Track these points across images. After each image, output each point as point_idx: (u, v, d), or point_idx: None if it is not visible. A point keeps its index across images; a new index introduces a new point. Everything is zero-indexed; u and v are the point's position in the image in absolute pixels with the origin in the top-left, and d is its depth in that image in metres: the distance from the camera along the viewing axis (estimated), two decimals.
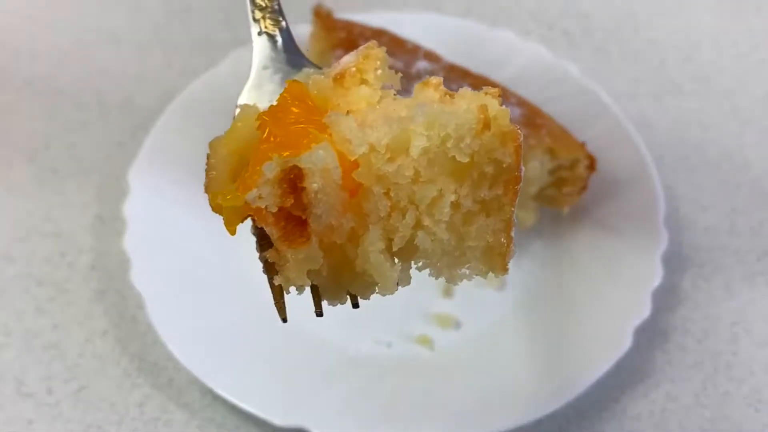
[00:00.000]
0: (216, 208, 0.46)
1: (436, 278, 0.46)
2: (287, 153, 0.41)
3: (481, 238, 0.43)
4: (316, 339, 0.81)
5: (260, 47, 0.55)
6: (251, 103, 0.51)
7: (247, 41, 1.04)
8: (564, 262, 0.86)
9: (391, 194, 0.43)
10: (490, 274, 0.85)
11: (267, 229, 0.43)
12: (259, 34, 0.55)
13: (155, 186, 0.86)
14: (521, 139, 0.42)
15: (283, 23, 0.55)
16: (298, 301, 0.84)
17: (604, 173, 0.88)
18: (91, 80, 1.04)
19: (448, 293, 0.85)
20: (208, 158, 0.47)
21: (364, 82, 0.48)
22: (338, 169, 0.41)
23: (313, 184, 0.41)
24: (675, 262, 0.88)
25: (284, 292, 0.47)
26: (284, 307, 0.50)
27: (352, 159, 0.42)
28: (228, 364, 0.76)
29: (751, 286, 0.87)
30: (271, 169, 0.41)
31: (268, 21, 0.55)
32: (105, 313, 0.84)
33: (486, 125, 0.41)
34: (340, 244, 0.44)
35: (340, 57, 0.86)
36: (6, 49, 1.07)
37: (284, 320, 0.51)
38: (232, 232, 0.45)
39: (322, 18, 0.91)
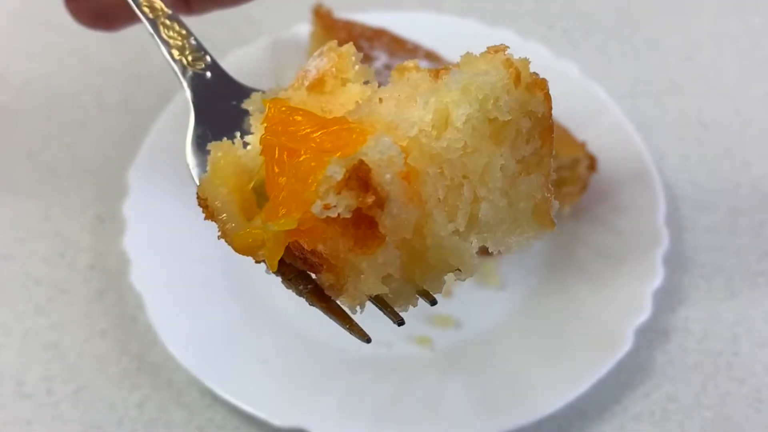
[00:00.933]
0: (246, 249, 0.41)
1: (493, 251, 0.43)
2: (339, 153, 0.37)
3: (530, 198, 0.42)
4: (316, 339, 0.80)
5: (193, 88, 0.51)
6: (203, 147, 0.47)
7: (247, 41, 1.04)
8: (564, 262, 0.86)
9: (446, 172, 0.40)
10: (490, 279, 0.86)
11: (320, 248, 0.38)
12: (184, 74, 0.51)
13: (155, 186, 0.86)
14: (548, 86, 0.41)
15: (208, 57, 0.52)
16: (299, 302, 0.83)
17: (605, 173, 0.88)
18: (91, 80, 1.04)
19: (448, 293, 0.85)
20: (205, 207, 0.43)
21: (345, 81, 0.46)
22: (402, 156, 0.38)
23: (385, 175, 0.37)
24: (675, 262, 0.88)
25: (351, 314, 0.43)
26: (360, 328, 0.46)
27: (404, 144, 0.40)
28: (228, 365, 0.76)
29: (752, 286, 0.87)
30: (335, 172, 0.37)
31: (191, 58, 0.52)
32: (104, 314, 0.84)
33: (517, 78, 0.40)
34: (409, 240, 0.40)
35: None
36: (5, 49, 1.07)
37: (368, 341, 0.46)
38: (274, 267, 0.40)
39: (322, 18, 0.91)
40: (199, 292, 0.81)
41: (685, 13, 1.13)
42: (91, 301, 0.84)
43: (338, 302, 0.42)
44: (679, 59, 1.08)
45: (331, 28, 0.90)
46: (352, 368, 0.78)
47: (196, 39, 0.53)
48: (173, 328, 0.76)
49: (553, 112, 0.96)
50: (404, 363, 0.79)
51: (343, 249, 0.38)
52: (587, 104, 0.93)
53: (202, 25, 1.10)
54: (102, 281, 0.86)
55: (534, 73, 0.41)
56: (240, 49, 0.97)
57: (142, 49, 1.07)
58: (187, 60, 0.52)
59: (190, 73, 0.51)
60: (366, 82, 0.47)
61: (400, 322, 0.45)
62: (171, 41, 0.52)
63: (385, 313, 0.44)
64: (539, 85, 0.41)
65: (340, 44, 0.88)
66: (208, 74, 0.52)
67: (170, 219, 0.85)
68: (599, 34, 1.10)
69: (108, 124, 0.99)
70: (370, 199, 0.37)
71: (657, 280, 0.80)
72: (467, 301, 0.85)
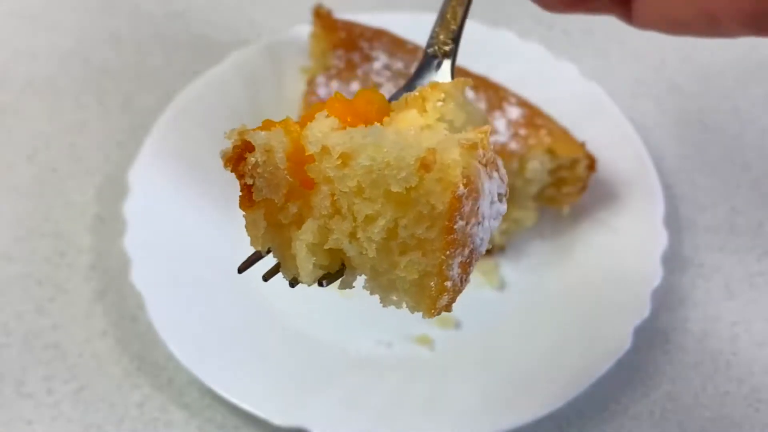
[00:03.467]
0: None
1: (370, 294, 0.47)
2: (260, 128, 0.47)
3: (410, 272, 0.44)
4: (317, 339, 0.81)
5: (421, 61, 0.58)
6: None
7: (247, 42, 1.04)
8: (564, 262, 0.86)
9: (336, 198, 0.45)
10: (490, 279, 0.86)
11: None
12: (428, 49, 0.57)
13: (155, 186, 0.86)
14: (460, 193, 0.42)
15: (448, 48, 0.58)
16: (299, 301, 0.84)
17: (604, 173, 0.88)
18: (91, 80, 1.04)
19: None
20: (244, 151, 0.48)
21: (422, 108, 0.50)
22: (282, 154, 0.45)
23: (252, 158, 0.46)
24: (675, 262, 0.88)
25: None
26: (249, 263, 0.56)
27: (307, 154, 0.45)
28: (228, 364, 0.76)
29: (751, 286, 0.87)
30: (231, 137, 0.47)
31: (441, 43, 0.58)
32: (105, 313, 0.84)
33: (425, 167, 0.42)
34: (287, 225, 0.47)
35: (341, 57, 0.87)
36: (6, 49, 1.07)
37: (239, 271, 0.56)
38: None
39: (323, 18, 0.91)
40: (200, 292, 0.81)
41: None
42: (91, 301, 0.84)
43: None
44: (678, 60, 1.08)
45: (332, 29, 0.90)
46: (353, 368, 0.78)
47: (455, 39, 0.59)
48: (174, 327, 0.77)
49: (553, 112, 0.96)
50: (404, 363, 0.80)
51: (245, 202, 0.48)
52: (587, 105, 0.94)
53: (204, 25, 1.10)
54: (103, 281, 0.86)
55: (465, 179, 0.42)
56: (241, 49, 0.97)
57: (142, 49, 1.07)
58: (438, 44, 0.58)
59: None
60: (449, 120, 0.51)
61: (264, 278, 0.53)
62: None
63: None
64: (450, 187, 0.42)
65: (341, 44, 0.88)
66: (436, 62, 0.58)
67: (171, 219, 0.85)
68: (599, 35, 1.10)
69: (109, 124, 0.99)
70: (231, 165, 0.47)
71: (656, 279, 0.80)
72: (467, 301, 0.84)
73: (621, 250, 0.83)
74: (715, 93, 1.04)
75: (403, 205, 0.44)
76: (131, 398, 0.78)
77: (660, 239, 0.82)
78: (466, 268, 0.45)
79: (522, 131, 0.84)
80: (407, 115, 0.49)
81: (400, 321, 0.82)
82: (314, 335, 0.81)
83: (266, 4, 1.13)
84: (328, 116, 0.47)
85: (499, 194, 0.47)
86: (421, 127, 0.48)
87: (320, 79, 0.85)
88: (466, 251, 0.44)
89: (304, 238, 0.46)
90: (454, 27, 0.57)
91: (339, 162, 0.44)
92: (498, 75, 0.91)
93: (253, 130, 0.46)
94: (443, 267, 0.43)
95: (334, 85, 0.85)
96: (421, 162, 0.42)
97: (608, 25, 1.14)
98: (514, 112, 0.86)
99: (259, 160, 0.46)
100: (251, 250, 0.87)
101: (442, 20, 0.57)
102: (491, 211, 0.46)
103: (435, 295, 0.45)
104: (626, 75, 1.06)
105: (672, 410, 0.79)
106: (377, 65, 0.87)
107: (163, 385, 0.79)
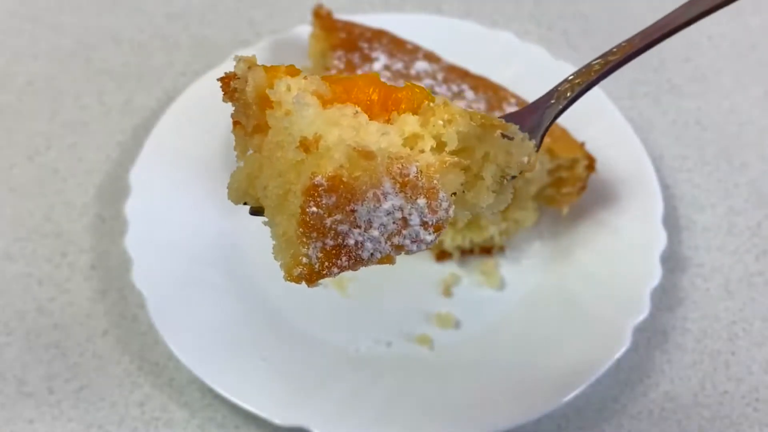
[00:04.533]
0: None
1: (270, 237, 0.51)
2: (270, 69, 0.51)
3: (281, 229, 0.50)
4: (317, 339, 0.81)
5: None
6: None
7: (248, 42, 1.05)
8: (563, 262, 0.86)
9: (271, 147, 0.50)
10: (489, 278, 0.86)
11: None
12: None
13: (156, 186, 0.87)
14: (317, 182, 0.46)
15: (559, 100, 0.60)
16: (299, 301, 0.84)
17: (603, 173, 0.88)
18: (92, 81, 1.04)
19: (447, 293, 0.85)
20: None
21: (424, 120, 0.50)
22: (252, 89, 0.50)
23: (233, 83, 0.51)
24: (674, 261, 0.88)
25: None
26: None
27: (271, 100, 0.50)
28: (228, 364, 0.76)
29: (750, 285, 0.88)
30: (237, 61, 0.52)
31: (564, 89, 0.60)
32: (106, 313, 0.84)
33: (304, 146, 0.47)
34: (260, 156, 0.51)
35: (341, 57, 0.87)
36: (7, 49, 1.07)
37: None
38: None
39: (322, 19, 0.91)
40: (200, 292, 0.81)
41: None
42: (92, 301, 0.85)
43: None
44: (677, 60, 1.08)
45: (331, 29, 0.90)
46: (353, 367, 0.79)
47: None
48: (174, 327, 0.77)
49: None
50: (404, 362, 0.80)
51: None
52: (586, 105, 0.92)
53: (204, 26, 1.11)
54: (103, 281, 0.86)
55: (335, 176, 0.46)
56: (241, 50, 0.97)
57: (143, 50, 1.07)
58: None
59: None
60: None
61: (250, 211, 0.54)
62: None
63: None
64: (312, 173, 0.46)
65: (340, 45, 0.88)
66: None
67: (171, 219, 0.85)
68: (598, 36, 1.11)
69: (110, 125, 0.99)
70: (223, 89, 0.52)
71: (655, 279, 0.80)
72: (467, 301, 0.85)
73: (620, 250, 0.84)
74: (714, 93, 1.05)
75: (294, 174, 0.48)
76: (132, 397, 0.79)
77: (659, 239, 0.83)
78: (331, 259, 0.47)
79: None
80: (407, 119, 0.50)
81: (399, 321, 0.83)
82: (314, 335, 0.81)
83: (266, 5, 1.13)
84: (314, 82, 0.49)
85: (423, 222, 0.48)
86: (403, 132, 0.49)
87: None
88: (329, 242, 0.47)
89: (243, 165, 0.52)
90: (579, 82, 0.59)
91: (281, 117, 0.48)
92: (498, 75, 0.91)
93: (253, 66, 0.50)
94: (299, 241, 0.47)
95: None
96: (301, 141, 0.46)
97: (607, 25, 1.15)
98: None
99: (237, 86, 0.51)
100: (251, 250, 0.88)
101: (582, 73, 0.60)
102: (393, 227, 0.48)
103: (290, 262, 0.49)
104: (625, 75, 1.06)
105: (671, 409, 0.79)
106: (377, 66, 0.87)
107: (163, 385, 0.79)
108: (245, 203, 0.53)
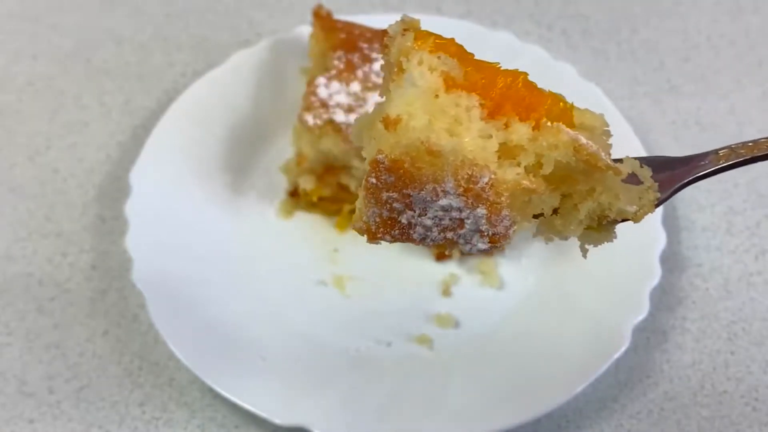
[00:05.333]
0: None
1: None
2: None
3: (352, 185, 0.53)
4: (317, 338, 0.81)
5: None
6: None
7: (248, 42, 1.05)
8: (562, 262, 0.86)
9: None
10: (489, 278, 0.86)
11: None
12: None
13: (156, 186, 0.87)
14: (379, 159, 0.47)
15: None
16: (299, 301, 0.84)
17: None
18: (92, 81, 1.04)
19: (447, 293, 0.85)
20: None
21: (535, 135, 0.49)
22: (395, 49, 0.50)
23: (385, 40, 0.52)
24: (673, 261, 0.88)
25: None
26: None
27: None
28: (229, 364, 0.76)
29: (749, 285, 0.88)
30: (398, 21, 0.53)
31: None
32: (106, 313, 0.84)
33: (385, 122, 0.47)
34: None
35: (341, 58, 0.87)
36: (7, 49, 1.07)
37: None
38: None
39: (322, 19, 0.91)
40: (201, 292, 0.81)
41: (682, 15, 1.13)
42: (93, 301, 0.85)
43: None
44: (676, 60, 1.08)
45: (331, 30, 0.90)
46: (353, 367, 0.79)
47: None
48: (174, 327, 0.77)
49: None
50: (404, 362, 0.80)
51: None
52: (585, 105, 0.93)
53: (204, 26, 1.11)
54: (104, 281, 0.86)
55: (396, 160, 0.47)
56: (241, 50, 0.98)
57: (143, 50, 1.08)
58: None
59: None
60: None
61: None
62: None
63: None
64: (378, 151, 0.48)
65: (340, 45, 0.88)
66: None
67: (172, 219, 0.85)
68: (597, 36, 1.11)
69: (110, 125, 0.99)
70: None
71: (654, 279, 0.80)
72: (467, 301, 0.85)
73: (619, 250, 0.83)
74: (713, 93, 1.05)
75: (374, 142, 0.49)
76: (132, 397, 0.79)
77: (658, 239, 0.83)
78: (386, 227, 0.49)
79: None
80: (520, 129, 0.49)
81: (399, 320, 0.83)
82: (314, 335, 0.81)
83: (266, 5, 1.13)
84: (447, 63, 0.49)
85: (479, 229, 0.49)
86: (506, 141, 0.48)
87: (320, 80, 0.85)
88: (384, 213, 0.49)
89: (371, 111, 0.52)
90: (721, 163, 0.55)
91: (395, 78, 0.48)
92: None
93: (410, 30, 0.51)
94: (361, 200, 0.49)
95: (335, 86, 0.85)
96: (384, 117, 0.47)
97: (607, 26, 1.15)
98: None
99: (387, 44, 0.51)
100: (251, 250, 0.87)
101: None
102: (447, 222, 0.49)
103: (356, 215, 0.51)
104: (624, 75, 1.07)
105: (670, 409, 0.79)
106: (377, 66, 0.87)
107: (164, 385, 0.80)
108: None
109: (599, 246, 0.53)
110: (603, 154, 0.48)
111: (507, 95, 0.49)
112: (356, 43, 0.89)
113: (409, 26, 0.51)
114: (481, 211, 0.47)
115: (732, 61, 1.08)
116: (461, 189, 0.47)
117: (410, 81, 0.47)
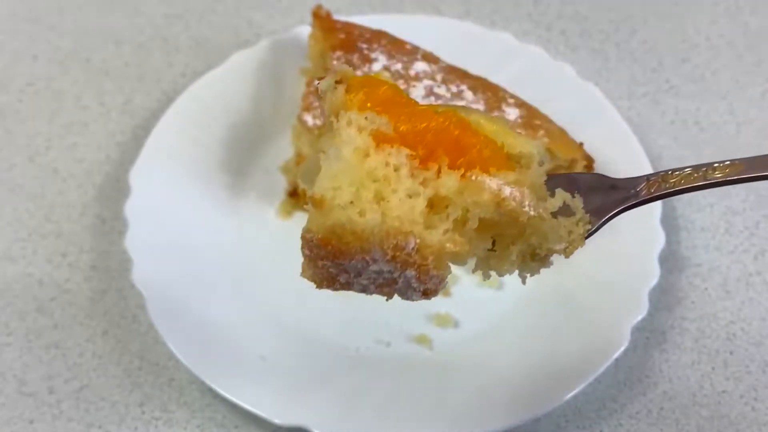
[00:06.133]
0: None
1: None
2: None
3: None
4: (316, 338, 0.81)
5: None
6: None
7: (247, 42, 1.05)
8: (561, 262, 0.85)
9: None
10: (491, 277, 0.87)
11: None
12: None
13: (156, 186, 0.87)
14: (308, 236, 0.50)
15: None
16: (299, 301, 0.84)
17: (602, 173, 0.88)
18: (92, 81, 1.04)
19: (446, 293, 0.86)
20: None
21: (460, 188, 0.50)
22: (327, 100, 0.52)
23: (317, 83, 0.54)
24: (672, 261, 0.89)
25: None
26: None
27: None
28: (228, 364, 0.76)
29: (748, 285, 0.88)
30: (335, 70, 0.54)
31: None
32: (106, 313, 0.84)
33: (312, 200, 0.49)
34: None
35: (340, 58, 0.87)
36: (7, 50, 1.07)
37: None
38: None
39: (321, 19, 0.91)
40: (200, 292, 0.81)
41: (681, 15, 1.14)
42: (92, 301, 0.85)
43: None
44: (675, 61, 1.09)
45: (331, 30, 0.90)
46: (352, 367, 0.79)
47: None
48: (174, 327, 0.77)
49: (550, 112, 0.97)
50: (403, 362, 0.80)
51: None
52: (584, 105, 0.94)
53: (204, 26, 1.11)
54: (103, 281, 0.86)
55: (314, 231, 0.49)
56: (241, 51, 0.98)
57: (143, 50, 1.08)
58: None
59: None
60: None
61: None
62: None
63: None
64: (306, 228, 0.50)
65: (340, 46, 0.88)
66: None
67: (171, 219, 0.85)
68: (596, 36, 1.11)
69: (110, 125, 1.00)
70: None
71: (653, 279, 0.80)
72: (466, 300, 0.85)
73: (618, 250, 0.84)
74: (712, 94, 1.05)
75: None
76: (132, 397, 0.79)
77: (657, 239, 0.83)
78: (328, 282, 0.52)
79: (520, 132, 0.84)
80: (447, 182, 0.50)
81: (399, 320, 0.83)
82: (314, 334, 0.81)
83: (266, 5, 1.13)
84: (376, 121, 0.49)
85: (411, 286, 0.51)
86: (433, 196, 0.49)
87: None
88: (324, 273, 0.51)
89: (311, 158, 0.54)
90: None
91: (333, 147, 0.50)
92: (496, 76, 0.92)
93: (342, 82, 0.52)
94: (304, 260, 0.52)
95: None
96: (310, 197, 0.48)
97: (606, 26, 1.15)
98: (513, 113, 0.86)
99: (319, 94, 0.53)
100: (251, 250, 0.88)
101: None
102: (382, 281, 0.51)
103: (302, 266, 0.52)
104: (623, 76, 1.07)
105: (669, 409, 0.79)
106: (376, 67, 0.87)
107: (163, 385, 0.80)
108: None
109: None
110: (527, 202, 0.50)
111: (439, 140, 0.50)
112: (355, 43, 0.89)
113: (341, 77, 0.51)
114: (410, 272, 0.49)
115: (731, 61, 1.08)
116: (389, 257, 0.48)
117: (335, 154, 0.48)
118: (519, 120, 0.86)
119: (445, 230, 0.49)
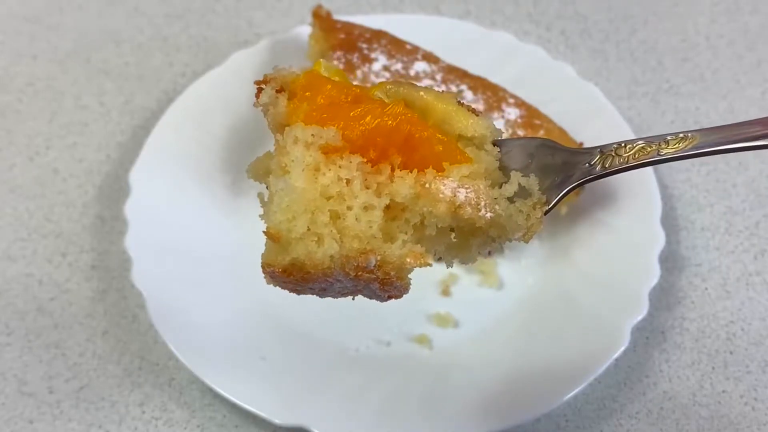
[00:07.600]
0: None
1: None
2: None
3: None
4: (316, 339, 0.81)
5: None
6: None
7: (247, 43, 1.05)
8: (562, 262, 0.86)
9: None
10: (488, 278, 0.87)
11: None
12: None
13: (156, 186, 0.87)
14: (268, 271, 0.51)
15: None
16: (299, 301, 0.84)
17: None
18: (92, 81, 1.04)
19: (446, 293, 0.86)
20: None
21: (416, 194, 0.51)
22: (272, 110, 0.52)
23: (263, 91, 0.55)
24: (672, 261, 0.89)
25: None
26: None
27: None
28: (228, 364, 0.76)
29: (747, 285, 0.88)
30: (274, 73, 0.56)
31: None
32: (106, 313, 0.84)
33: (269, 235, 0.50)
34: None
35: (340, 58, 0.87)
36: (7, 50, 1.07)
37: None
38: None
39: (322, 19, 0.91)
40: (200, 292, 0.81)
41: (681, 15, 1.14)
42: (92, 301, 0.85)
43: None
44: (675, 60, 1.09)
45: (331, 30, 0.90)
46: (352, 367, 0.79)
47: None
48: (174, 327, 0.77)
49: (551, 112, 0.97)
50: (403, 362, 0.80)
51: None
52: (584, 105, 0.94)
53: (204, 27, 1.11)
54: (103, 281, 0.86)
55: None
56: (241, 50, 0.98)
57: (142, 50, 1.08)
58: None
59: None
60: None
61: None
62: None
63: None
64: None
65: (340, 46, 0.88)
66: None
67: (171, 219, 0.85)
68: (596, 36, 1.11)
69: (110, 125, 1.00)
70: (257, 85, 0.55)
71: (654, 279, 0.80)
72: (466, 301, 0.85)
73: (619, 250, 0.84)
74: (712, 93, 1.05)
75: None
76: (132, 397, 0.79)
77: (657, 239, 0.83)
78: (297, 293, 0.53)
79: (520, 132, 0.84)
80: (401, 188, 0.50)
81: (399, 320, 0.83)
82: (314, 335, 0.81)
83: (266, 6, 1.13)
84: (323, 135, 0.49)
85: (376, 294, 0.53)
86: (390, 202, 0.50)
87: None
88: (288, 288, 0.53)
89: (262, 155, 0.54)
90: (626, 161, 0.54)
91: (281, 166, 0.50)
92: (496, 76, 0.92)
93: (284, 91, 0.52)
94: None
95: None
96: (266, 230, 0.48)
97: (606, 26, 1.15)
98: (513, 113, 0.86)
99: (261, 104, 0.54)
100: (251, 250, 0.87)
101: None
102: (347, 291, 0.54)
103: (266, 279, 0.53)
104: (623, 75, 1.07)
105: (669, 409, 0.79)
106: (376, 66, 0.87)
107: (163, 384, 0.80)
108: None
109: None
110: (483, 203, 0.50)
111: (389, 140, 0.49)
112: (355, 43, 0.89)
113: (281, 85, 0.51)
114: (374, 285, 0.50)
115: (730, 61, 1.09)
116: (352, 275, 0.49)
117: (285, 184, 0.48)
118: (519, 120, 0.86)
119: (404, 241, 0.49)
